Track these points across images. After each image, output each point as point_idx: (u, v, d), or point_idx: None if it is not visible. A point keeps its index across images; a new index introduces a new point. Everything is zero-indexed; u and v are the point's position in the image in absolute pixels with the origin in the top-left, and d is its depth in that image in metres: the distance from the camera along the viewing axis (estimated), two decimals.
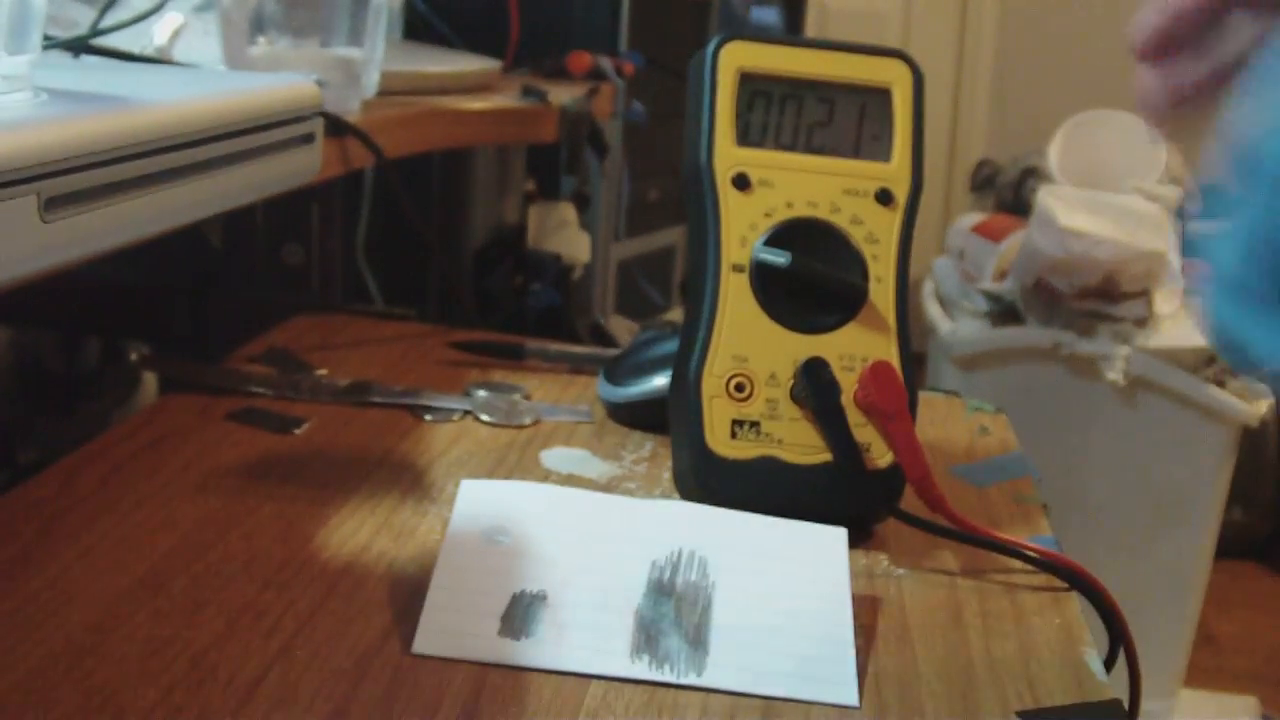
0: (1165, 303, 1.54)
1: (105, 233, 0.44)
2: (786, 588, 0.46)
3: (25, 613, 0.43)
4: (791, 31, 1.84)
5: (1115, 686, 0.45)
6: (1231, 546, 2.15)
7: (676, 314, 1.55)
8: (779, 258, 0.54)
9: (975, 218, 1.89)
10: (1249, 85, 0.29)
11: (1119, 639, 0.52)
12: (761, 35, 0.57)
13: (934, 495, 0.53)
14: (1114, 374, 1.53)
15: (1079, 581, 0.51)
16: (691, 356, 0.54)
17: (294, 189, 0.62)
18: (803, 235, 0.55)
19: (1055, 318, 1.57)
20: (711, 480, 0.53)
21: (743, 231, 0.55)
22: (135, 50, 0.72)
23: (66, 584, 0.45)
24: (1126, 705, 0.45)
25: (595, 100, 1.08)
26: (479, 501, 0.49)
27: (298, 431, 0.61)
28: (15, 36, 0.43)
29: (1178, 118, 0.36)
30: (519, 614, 0.44)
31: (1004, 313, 1.64)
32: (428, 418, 0.64)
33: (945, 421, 0.71)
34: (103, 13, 0.69)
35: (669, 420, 0.57)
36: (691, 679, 0.42)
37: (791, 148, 0.56)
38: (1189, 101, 0.35)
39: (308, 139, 0.61)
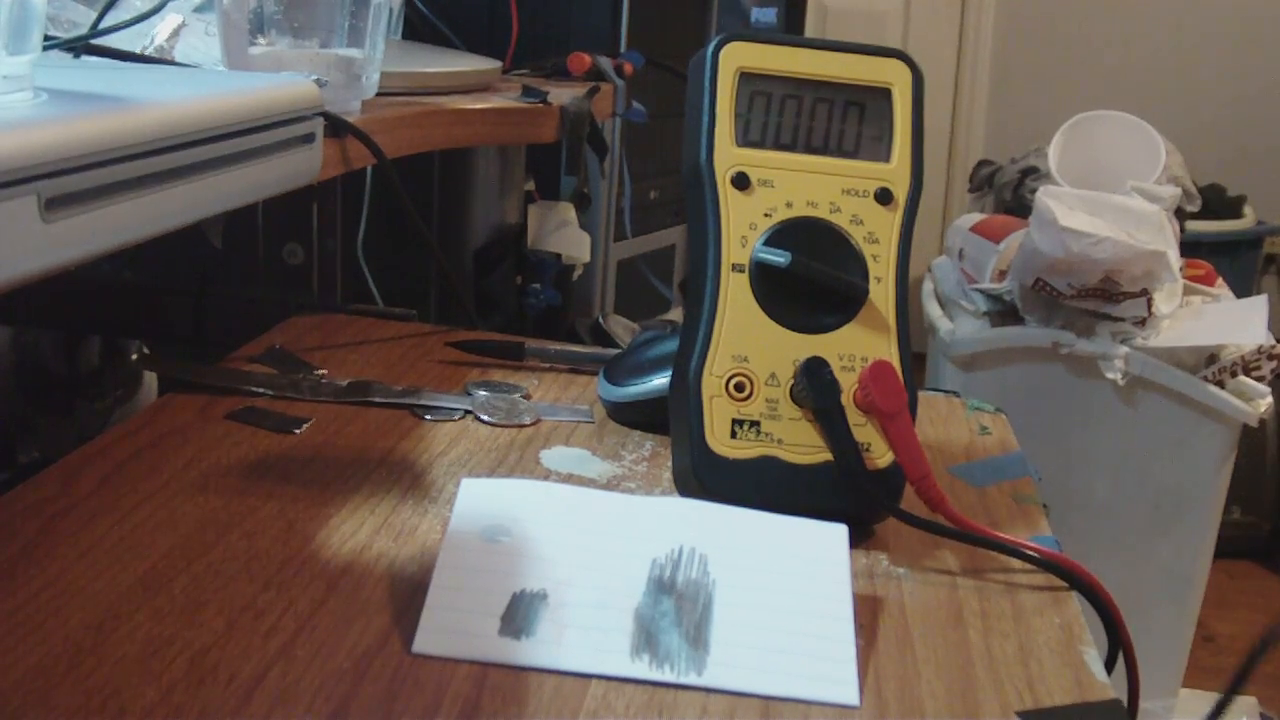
0: (1165, 303, 1.54)
1: (106, 233, 0.44)
2: (787, 585, 0.46)
3: (25, 613, 0.43)
4: (791, 31, 1.84)
5: (1115, 687, 0.45)
6: (1231, 546, 2.15)
7: (677, 314, 1.55)
8: (779, 257, 0.54)
9: (975, 218, 1.89)
10: None
11: (1118, 640, 0.52)
12: (762, 35, 0.57)
13: (934, 495, 0.53)
14: (1113, 374, 1.53)
15: (1079, 582, 0.51)
16: (691, 356, 0.54)
17: (294, 189, 0.63)
18: (803, 235, 0.55)
19: (1055, 318, 1.57)
20: (711, 480, 0.53)
21: (743, 231, 0.55)
22: (135, 50, 0.72)
23: (66, 584, 0.45)
24: (1126, 705, 0.45)
25: (595, 100, 1.08)
26: (479, 500, 0.49)
27: (298, 431, 0.61)
28: (16, 36, 0.43)
29: None
30: (519, 613, 0.44)
31: (1004, 313, 1.64)
32: (428, 418, 0.64)
33: (945, 421, 0.71)
34: (103, 13, 0.69)
35: (669, 420, 0.57)
36: (691, 678, 0.42)
37: (791, 148, 0.56)
38: None
39: (308, 139, 0.61)
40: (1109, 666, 0.49)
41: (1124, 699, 0.45)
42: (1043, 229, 1.48)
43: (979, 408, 0.74)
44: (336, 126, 0.70)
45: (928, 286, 1.86)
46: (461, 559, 0.46)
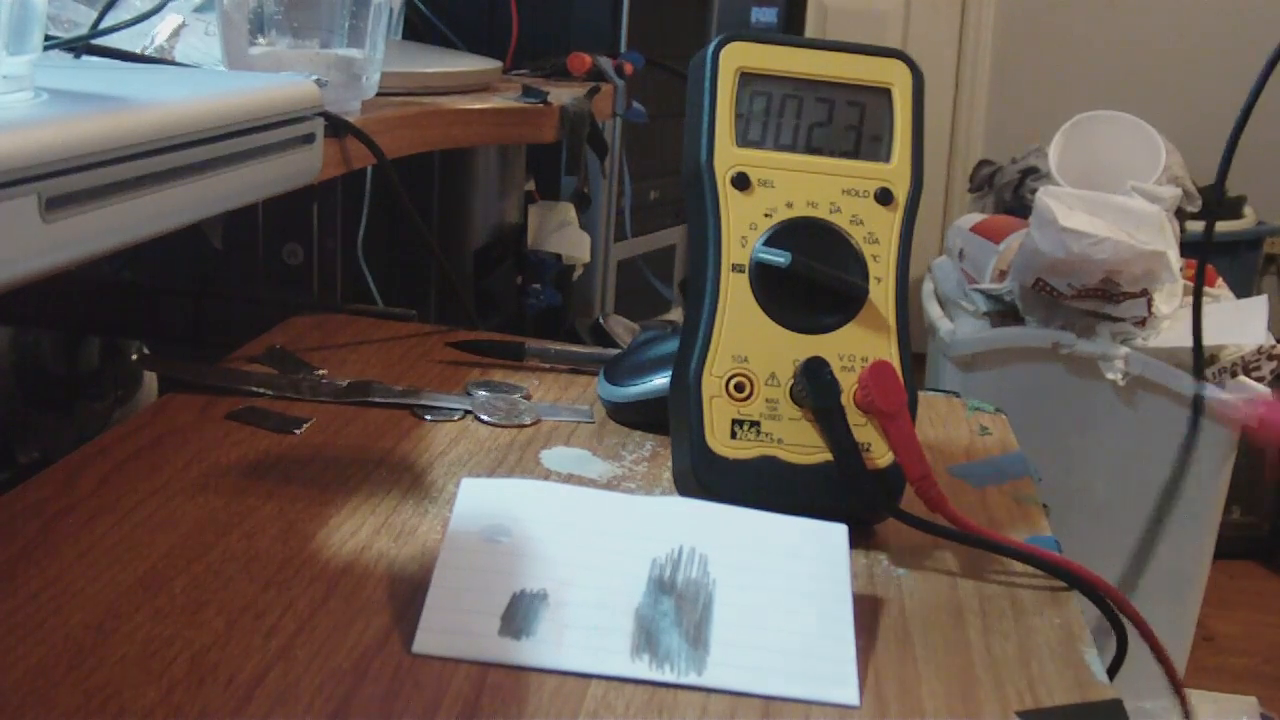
0: (1165, 303, 1.54)
1: (106, 233, 0.44)
2: (787, 585, 0.46)
3: (25, 613, 0.43)
4: (791, 31, 1.84)
5: (1128, 687, 0.45)
6: (1231, 546, 2.15)
7: (677, 314, 1.55)
8: (779, 257, 0.54)
9: (975, 218, 1.89)
10: None
11: (1125, 637, 0.52)
12: (761, 35, 0.57)
13: (934, 495, 0.53)
14: (1114, 374, 1.53)
15: (1081, 583, 0.51)
16: (691, 356, 0.54)
17: (294, 189, 0.62)
18: (803, 235, 0.55)
19: (1055, 318, 1.57)
20: (711, 480, 0.53)
21: (743, 231, 0.55)
22: (135, 50, 0.72)
23: (66, 584, 0.45)
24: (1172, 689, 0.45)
25: (595, 100, 1.08)
26: (479, 500, 0.49)
27: (298, 431, 0.61)
28: (16, 36, 0.43)
29: None
30: (519, 613, 0.44)
31: (1004, 313, 1.64)
32: (428, 418, 0.64)
33: (945, 421, 0.71)
34: (103, 13, 0.69)
35: (669, 420, 0.57)
36: (692, 678, 0.42)
37: (791, 148, 0.56)
38: None
39: (308, 139, 0.61)
40: (1117, 665, 0.49)
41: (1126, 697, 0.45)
42: (1043, 229, 1.48)
43: (979, 408, 0.74)
44: (336, 126, 0.70)
45: (928, 286, 1.86)
46: (461, 559, 0.46)
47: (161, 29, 0.76)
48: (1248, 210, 2.68)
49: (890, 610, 0.48)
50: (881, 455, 0.54)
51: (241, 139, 0.54)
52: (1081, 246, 1.45)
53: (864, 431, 0.54)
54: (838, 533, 0.49)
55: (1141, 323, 1.53)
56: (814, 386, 0.53)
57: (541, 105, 0.97)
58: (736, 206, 0.55)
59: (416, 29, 1.22)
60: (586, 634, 0.43)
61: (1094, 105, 1.73)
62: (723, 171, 0.55)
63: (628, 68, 1.18)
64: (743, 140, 0.56)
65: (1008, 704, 0.43)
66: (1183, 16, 2.94)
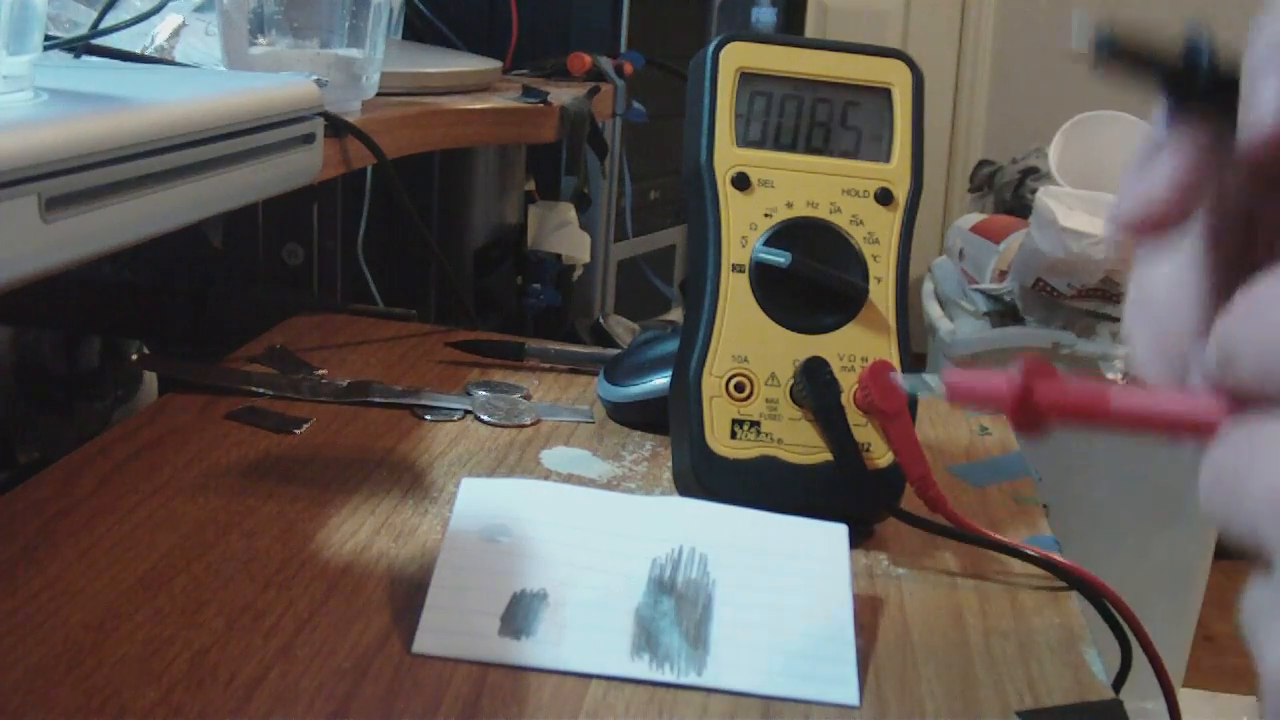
0: None
1: (106, 233, 0.44)
2: (787, 585, 0.46)
3: (25, 613, 0.43)
4: (791, 31, 1.84)
5: (1128, 687, 0.45)
6: (1231, 546, 2.15)
7: (677, 314, 1.55)
8: (779, 258, 0.54)
9: (975, 218, 1.89)
10: None
11: (1127, 640, 0.52)
12: (761, 35, 0.57)
13: (934, 495, 0.53)
14: (1113, 374, 1.53)
15: (1078, 582, 0.51)
16: (691, 356, 0.54)
17: (294, 189, 0.62)
18: (803, 235, 0.55)
19: (1055, 318, 1.57)
20: (711, 480, 0.53)
21: (743, 231, 0.55)
22: (135, 50, 0.72)
23: (66, 584, 0.45)
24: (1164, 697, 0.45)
25: (595, 100, 1.08)
26: (479, 499, 0.49)
27: (298, 431, 0.61)
28: (16, 36, 0.43)
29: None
30: (519, 613, 0.44)
31: (1004, 313, 1.64)
32: (428, 418, 0.64)
33: (945, 421, 0.71)
34: (103, 13, 0.69)
35: (669, 420, 0.57)
36: (691, 678, 0.42)
37: (791, 148, 0.56)
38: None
39: (308, 139, 0.61)
40: (1123, 673, 0.49)
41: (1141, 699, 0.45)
42: (1043, 229, 1.48)
43: None
44: (336, 126, 0.70)
45: (928, 286, 1.86)
46: (461, 559, 0.46)
47: (161, 29, 0.76)
48: None
49: (890, 610, 0.48)
50: (881, 455, 0.54)
51: (241, 139, 0.53)
52: (1081, 246, 1.45)
53: (864, 431, 0.54)
54: (838, 533, 0.49)
55: None
56: (814, 386, 0.53)
57: (541, 105, 0.97)
58: (736, 206, 0.55)
59: (416, 29, 1.22)
60: (586, 634, 0.43)
61: (1094, 105, 1.73)
62: (723, 171, 0.55)
63: (628, 68, 1.18)
64: (743, 140, 0.56)
65: (1008, 704, 0.43)
66: (1183, 17, 2.94)
